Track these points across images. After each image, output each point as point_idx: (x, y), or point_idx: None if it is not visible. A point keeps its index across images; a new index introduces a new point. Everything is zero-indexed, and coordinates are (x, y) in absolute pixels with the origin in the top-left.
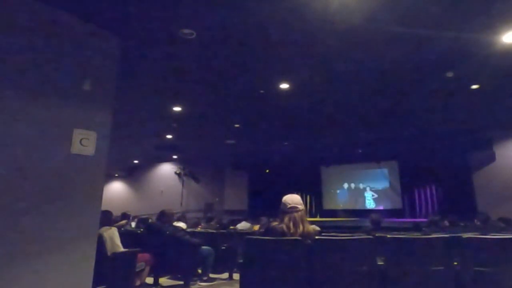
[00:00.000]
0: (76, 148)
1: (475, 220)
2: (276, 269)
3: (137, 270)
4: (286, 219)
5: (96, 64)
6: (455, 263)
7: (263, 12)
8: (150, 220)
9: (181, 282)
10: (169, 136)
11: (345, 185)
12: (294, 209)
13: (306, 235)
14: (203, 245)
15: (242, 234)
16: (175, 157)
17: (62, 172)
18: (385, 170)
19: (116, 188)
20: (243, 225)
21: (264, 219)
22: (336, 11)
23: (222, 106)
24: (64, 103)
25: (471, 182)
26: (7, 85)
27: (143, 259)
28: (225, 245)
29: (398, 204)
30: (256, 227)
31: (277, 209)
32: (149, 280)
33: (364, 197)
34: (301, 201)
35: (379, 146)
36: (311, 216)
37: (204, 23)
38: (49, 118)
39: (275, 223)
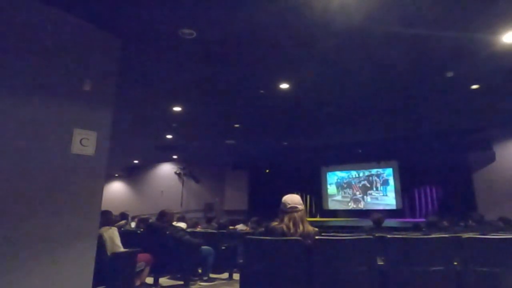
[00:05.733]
0: (76, 148)
1: (470, 221)
2: (276, 269)
3: (137, 270)
4: (286, 219)
5: (96, 64)
6: (455, 263)
7: (263, 12)
8: (150, 220)
9: (181, 282)
10: (169, 136)
11: (345, 185)
12: (294, 209)
13: (306, 235)
14: (203, 245)
15: (242, 234)
16: (175, 157)
17: (62, 172)
18: (385, 170)
19: (116, 188)
20: (240, 227)
21: (254, 220)
22: (336, 11)
23: (222, 106)
24: (64, 103)
25: (471, 182)
26: (7, 85)
27: (143, 259)
28: (225, 245)
29: (398, 204)
30: (247, 228)
31: (277, 209)
32: (149, 280)
33: (364, 197)
34: (301, 201)
35: (379, 146)
36: (311, 216)
37: (204, 23)
38: (49, 118)
39: (275, 223)
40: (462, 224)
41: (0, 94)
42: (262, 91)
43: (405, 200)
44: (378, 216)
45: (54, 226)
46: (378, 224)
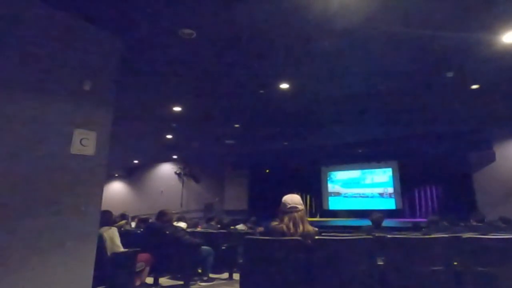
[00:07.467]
0: (76, 148)
1: (471, 220)
2: (276, 269)
3: (137, 270)
4: (286, 219)
5: (96, 64)
6: (455, 263)
7: (263, 12)
8: (150, 220)
9: (181, 282)
10: (169, 136)
11: (345, 185)
12: (294, 209)
13: (306, 235)
14: (203, 245)
15: (242, 234)
16: (175, 157)
17: (62, 172)
18: (385, 170)
19: (116, 188)
20: (240, 227)
21: (252, 220)
22: (336, 11)
23: (222, 106)
24: (64, 103)
25: (471, 182)
26: (7, 85)
27: (143, 259)
28: (225, 245)
29: (398, 204)
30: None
31: (277, 209)
32: (149, 280)
33: (364, 197)
34: (301, 201)
35: (379, 146)
36: (311, 216)
37: (204, 23)
38: (49, 118)
39: (275, 223)
40: (462, 224)
41: (0, 94)
42: (262, 91)
43: (405, 200)
44: (377, 216)
45: (54, 226)
46: (377, 224)
